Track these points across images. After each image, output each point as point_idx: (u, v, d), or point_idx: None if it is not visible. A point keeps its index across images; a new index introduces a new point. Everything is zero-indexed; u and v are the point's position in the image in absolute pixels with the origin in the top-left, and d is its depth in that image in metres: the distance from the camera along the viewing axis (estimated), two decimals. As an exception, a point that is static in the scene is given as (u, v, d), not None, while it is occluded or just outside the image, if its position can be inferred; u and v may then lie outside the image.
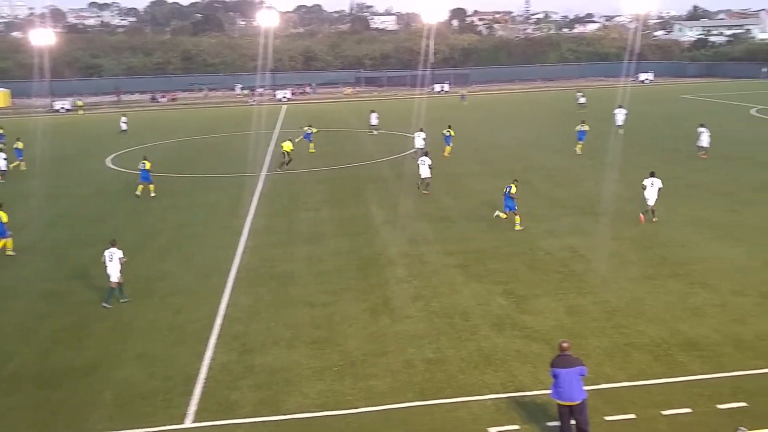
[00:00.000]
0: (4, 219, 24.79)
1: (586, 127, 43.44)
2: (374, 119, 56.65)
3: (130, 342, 17.27)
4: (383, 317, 18.06)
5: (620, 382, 14.21)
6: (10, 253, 24.85)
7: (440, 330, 17.09)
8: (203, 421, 13.44)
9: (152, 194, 34.21)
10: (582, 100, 66.90)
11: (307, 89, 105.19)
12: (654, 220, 25.92)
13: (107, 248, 19.57)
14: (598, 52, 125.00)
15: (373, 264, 22.46)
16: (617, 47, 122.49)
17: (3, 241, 24.90)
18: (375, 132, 55.55)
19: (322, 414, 13.55)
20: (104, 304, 19.27)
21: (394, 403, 13.79)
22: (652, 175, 26.41)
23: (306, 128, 47.33)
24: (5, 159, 40.76)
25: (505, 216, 26.20)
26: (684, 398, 13.46)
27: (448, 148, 43.67)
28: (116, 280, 19.35)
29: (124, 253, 19.65)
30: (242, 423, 13.34)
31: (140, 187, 34.46)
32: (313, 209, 30.38)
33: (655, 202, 25.92)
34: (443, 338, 16.61)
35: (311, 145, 46.50)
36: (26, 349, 17.09)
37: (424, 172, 32.38)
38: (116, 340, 17.39)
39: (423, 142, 40.18)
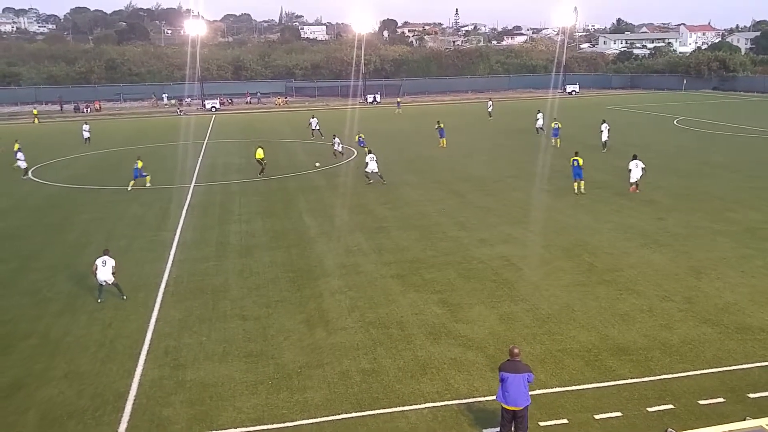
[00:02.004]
0: None
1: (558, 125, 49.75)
2: (314, 124, 59.66)
3: (57, 359, 16.66)
4: (319, 329, 17.95)
5: (553, 387, 14.50)
6: None
7: (376, 340, 17.08)
8: (135, 440, 13.06)
9: (148, 184, 38.18)
10: (540, 123, 57.83)
11: (250, 99, 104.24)
12: (638, 191, 31.93)
13: (99, 256, 20.46)
14: (526, 64, 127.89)
15: (308, 276, 22.30)
16: (545, 59, 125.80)
17: None
18: (314, 136, 56.69)
19: (257, 428, 13.36)
20: (123, 297, 20.48)
21: (330, 414, 13.72)
22: (635, 157, 32.58)
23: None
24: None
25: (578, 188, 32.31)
26: (615, 402, 13.85)
27: (443, 141, 49.84)
28: (113, 281, 20.37)
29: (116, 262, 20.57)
30: (175, 440, 13.02)
31: (132, 182, 37.82)
32: (245, 221, 29.97)
33: (639, 177, 32.08)
34: (379, 348, 16.61)
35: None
36: (-57, 371, 16.27)
37: (373, 166, 36.68)
38: (42, 358, 16.75)
39: (341, 147, 42.53)
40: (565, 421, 13.21)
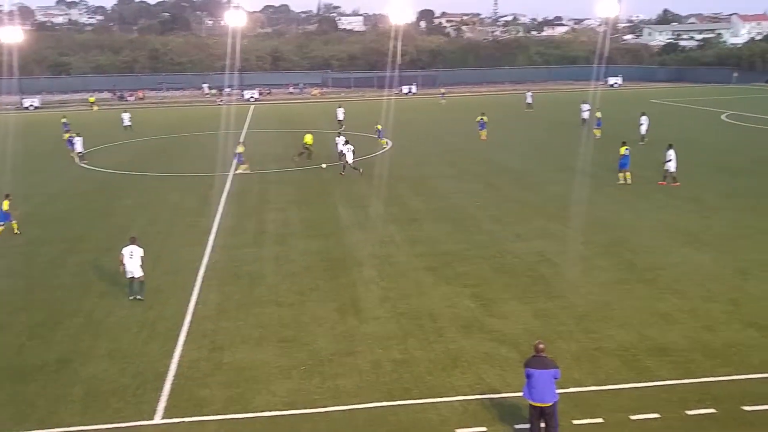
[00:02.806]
0: (5, 207, 26.68)
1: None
2: (341, 114, 60.21)
3: (101, 338, 17.20)
4: (351, 318, 18.16)
5: (588, 386, 14.37)
6: (16, 231, 27.09)
7: (408, 331, 17.21)
8: (173, 418, 13.45)
9: (246, 171, 38.79)
10: (586, 114, 56.46)
11: (291, 89, 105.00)
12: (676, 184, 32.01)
13: (126, 245, 19.58)
14: (566, 56, 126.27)
15: (341, 265, 22.53)
16: (586, 51, 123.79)
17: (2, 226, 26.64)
18: (342, 128, 56.63)
19: (290, 412, 13.60)
20: (138, 297, 19.50)
21: (361, 403, 13.90)
22: (671, 146, 32.42)
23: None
24: (82, 141, 45.24)
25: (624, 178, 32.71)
26: (652, 403, 13.61)
27: (483, 132, 49.79)
28: (140, 275, 19.43)
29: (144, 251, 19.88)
30: (211, 420, 13.37)
31: (242, 166, 39.01)
32: (281, 209, 30.36)
33: (675, 168, 32.22)
34: (411, 339, 16.74)
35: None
36: (0, 344, 16.99)
37: (350, 157, 37.28)
38: (87, 337, 17.32)
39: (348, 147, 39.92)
40: (600, 420, 13.08)
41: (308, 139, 43.01)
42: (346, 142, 38.65)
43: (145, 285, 19.64)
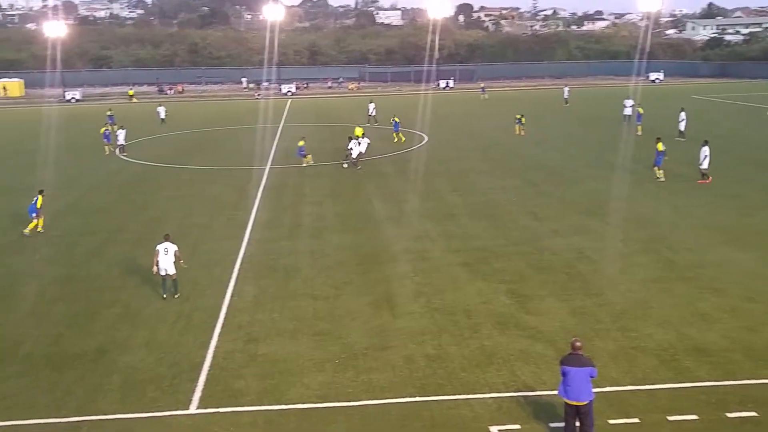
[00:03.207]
0: (39, 203, 26.26)
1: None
2: (371, 109, 59.90)
3: (138, 329, 17.43)
4: (385, 312, 18.13)
5: (625, 385, 14.13)
6: (40, 230, 26.44)
7: (442, 327, 17.12)
8: (208, 408, 13.57)
9: (310, 163, 39.04)
10: (629, 110, 54.39)
11: (331, 83, 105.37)
12: (699, 182, 31.60)
13: (160, 242, 19.33)
14: (607, 50, 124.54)
15: (376, 259, 22.52)
16: (627, 45, 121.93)
17: (33, 222, 26.23)
18: (375, 124, 56.55)
19: (324, 405, 13.63)
20: (175, 295, 19.25)
21: (395, 397, 13.85)
22: (706, 143, 31.99)
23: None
24: (125, 133, 45.98)
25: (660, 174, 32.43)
26: (690, 404, 13.31)
27: (519, 127, 49.45)
28: (173, 273, 19.14)
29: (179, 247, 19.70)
30: (246, 411, 13.45)
31: (305, 159, 39.08)
32: (316, 203, 30.46)
33: (708, 165, 31.77)
34: (445, 335, 16.65)
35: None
36: (38, 332, 17.32)
37: (356, 152, 37.29)
38: (125, 327, 17.57)
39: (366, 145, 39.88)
40: (636, 420, 12.85)
41: (358, 131, 42.99)
42: (361, 138, 39.26)
43: (178, 282, 19.40)
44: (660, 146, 32.68)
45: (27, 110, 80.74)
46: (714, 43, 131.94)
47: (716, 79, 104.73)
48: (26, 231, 25.97)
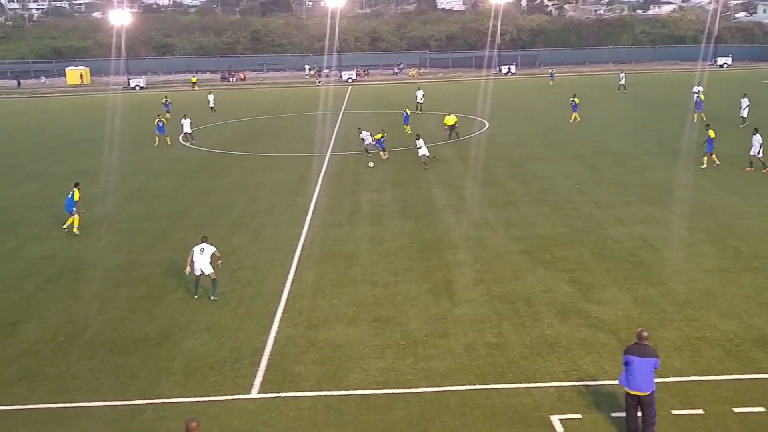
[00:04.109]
0: (76, 197, 25.24)
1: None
2: (420, 96, 58.97)
3: (200, 313, 17.80)
4: (444, 300, 18.10)
5: (689, 376, 13.86)
6: (75, 231, 25.23)
7: (502, 315, 17.01)
8: (269, 392, 13.79)
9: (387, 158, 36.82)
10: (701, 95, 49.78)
11: (396, 69, 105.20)
12: (764, 170, 30.57)
13: (197, 244, 18.72)
14: (673, 35, 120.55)
15: (435, 246, 22.47)
16: (694, 30, 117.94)
17: (71, 218, 25.31)
18: (420, 111, 55.96)
19: (383, 391, 13.71)
20: (212, 297, 18.50)
21: (454, 385, 13.84)
22: (756, 132, 31.12)
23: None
24: (190, 123, 45.84)
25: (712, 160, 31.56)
26: (757, 396, 13.00)
27: (574, 115, 48.19)
28: (210, 272, 18.39)
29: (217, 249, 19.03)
30: (306, 396, 13.62)
31: (383, 153, 37.15)
32: (376, 190, 30.54)
33: (759, 153, 30.72)
34: (505, 323, 16.53)
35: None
36: (104, 317, 17.84)
37: (425, 150, 34.69)
38: (187, 311, 17.96)
39: (370, 138, 38.05)
40: (700, 411, 12.59)
41: (449, 120, 42.43)
42: (382, 133, 37.70)
43: (217, 283, 18.65)
44: (711, 133, 31.75)
45: (92, 98, 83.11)
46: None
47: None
48: (65, 227, 25.27)
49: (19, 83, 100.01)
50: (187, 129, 45.74)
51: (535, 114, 54.04)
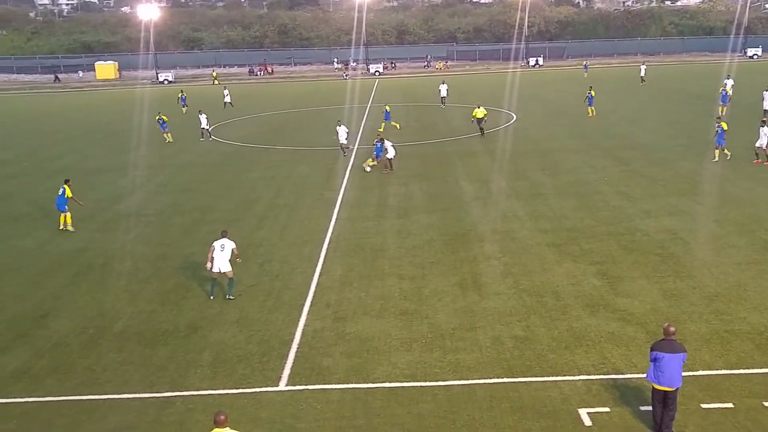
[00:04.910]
0: (68, 194, 24.99)
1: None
2: (444, 91, 57.97)
3: (228, 306, 17.95)
4: (472, 293, 18.06)
5: (718, 369, 13.72)
6: (70, 228, 25.13)
7: (530, 308, 16.94)
8: (297, 385, 13.88)
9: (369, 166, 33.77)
10: (729, 89, 48.91)
11: (427, 63, 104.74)
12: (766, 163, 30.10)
13: (217, 239, 18.24)
14: (702, 26, 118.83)
15: (463, 239, 22.42)
16: (724, 21, 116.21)
17: (62, 216, 25.12)
18: (444, 105, 55.50)
19: (411, 384, 13.72)
20: (229, 297, 18.22)
21: (482, 378, 13.82)
22: (764, 123, 30.67)
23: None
24: (206, 118, 45.04)
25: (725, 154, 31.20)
26: (788, 390, 12.84)
27: (591, 109, 47.06)
28: (227, 270, 18.05)
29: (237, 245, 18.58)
30: (334, 388, 13.70)
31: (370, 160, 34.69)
32: (403, 183, 30.52)
33: (766, 146, 30.22)
34: (533, 316, 16.47)
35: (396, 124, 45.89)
36: (133, 309, 18.06)
37: (391, 152, 32.94)
38: (216, 304, 18.11)
39: (345, 135, 37.50)
40: (730, 405, 12.47)
41: (478, 113, 41.46)
42: (340, 123, 37.18)
43: (234, 282, 18.40)
44: (724, 125, 31.43)
45: (122, 92, 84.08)
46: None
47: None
48: (61, 227, 25.06)
49: (57, 78, 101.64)
50: (204, 125, 44.94)
51: (563, 106, 53.59)
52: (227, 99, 62.48)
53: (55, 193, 25.47)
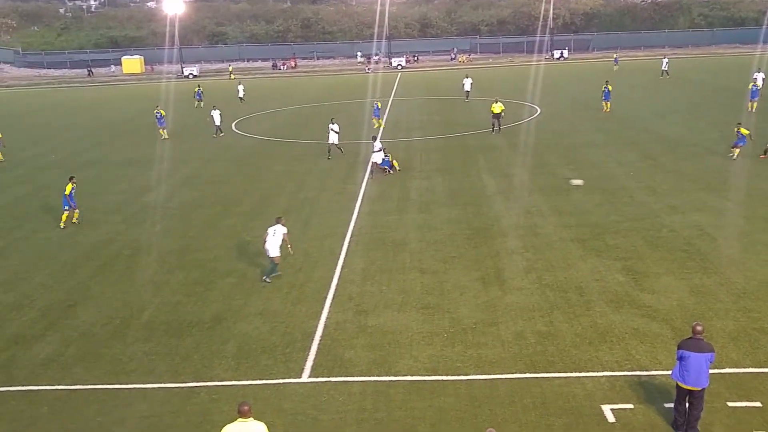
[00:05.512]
0: (67, 191, 24.86)
1: None
2: (468, 85, 56.92)
3: (252, 298, 18.06)
4: (494, 288, 17.98)
5: (746, 367, 13.54)
6: (62, 225, 25.03)
7: (553, 304, 16.83)
8: (319, 377, 13.94)
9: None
10: (759, 83, 47.22)
11: (453, 55, 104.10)
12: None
13: (272, 225, 18.96)
14: (733, 17, 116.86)
15: (485, 234, 22.32)
16: (756, 11, 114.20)
17: (65, 214, 25.12)
18: (467, 99, 55.13)
19: (432, 378, 13.72)
20: (265, 278, 18.96)
21: (504, 373, 13.77)
22: None
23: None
24: (220, 114, 44.11)
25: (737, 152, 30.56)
26: (817, 389, 12.64)
27: (607, 104, 46.12)
28: (274, 256, 18.77)
29: (288, 231, 19.20)
30: (356, 381, 13.73)
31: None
32: (425, 177, 30.45)
33: None
34: (556, 312, 16.36)
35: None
36: (158, 300, 18.24)
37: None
38: (240, 296, 18.24)
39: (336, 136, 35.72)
40: (758, 404, 12.30)
41: (495, 108, 40.31)
42: (333, 121, 35.73)
43: (276, 268, 19.00)
44: (744, 131, 30.70)
45: (149, 86, 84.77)
46: None
47: None
48: (61, 225, 25.02)
49: (90, 72, 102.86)
50: (217, 121, 43.90)
51: (588, 99, 53.08)
52: (241, 94, 62.44)
53: (82, 186, 25.73)
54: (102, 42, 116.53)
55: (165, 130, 44.20)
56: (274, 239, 18.68)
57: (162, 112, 44.53)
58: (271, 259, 18.88)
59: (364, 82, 74.41)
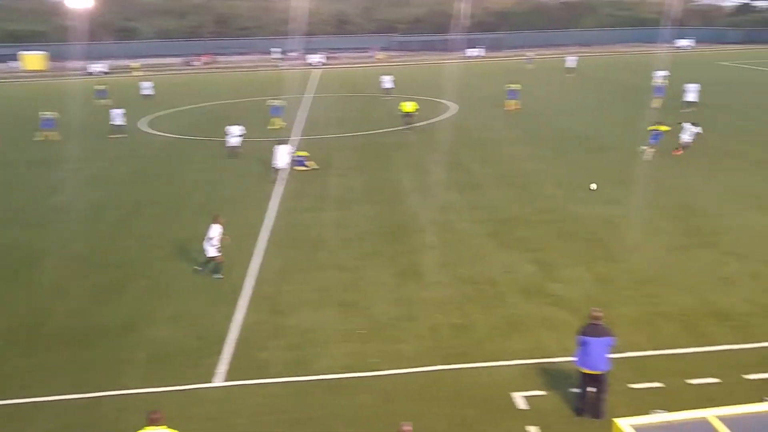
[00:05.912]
0: None
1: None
2: (388, 83, 57.21)
3: (164, 302, 17.64)
4: (410, 283, 18.21)
5: (647, 350, 14.21)
6: None
7: (467, 296, 17.18)
8: (235, 380, 13.74)
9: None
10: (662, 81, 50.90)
11: (371, 53, 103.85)
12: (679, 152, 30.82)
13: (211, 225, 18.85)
14: (636, 17, 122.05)
15: (401, 231, 22.55)
16: (656, 12, 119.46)
17: None
18: (389, 97, 55.53)
19: (350, 375, 13.78)
20: (198, 269, 19.12)
21: (420, 366, 13.97)
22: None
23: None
24: (123, 113, 42.64)
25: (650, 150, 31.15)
26: (712, 368, 13.40)
27: (514, 102, 46.79)
28: (211, 256, 18.75)
29: (224, 232, 19.00)
30: (272, 382, 13.63)
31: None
32: (342, 175, 30.49)
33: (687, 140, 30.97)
34: (470, 305, 16.70)
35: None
36: (63, 308, 17.52)
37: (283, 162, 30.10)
38: (151, 300, 17.78)
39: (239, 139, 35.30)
40: (659, 384, 12.93)
41: (406, 106, 40.55)
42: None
43: (211, 265, 19.00)
44: (661, 128, 32.01)
45: (52, 83, 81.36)
46: (743, 9, 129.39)
47: (744, 46, 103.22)
48: None
49: None
50: (119, 121, 42.07)
51: (500, 97, 54.15)
52: (146, 92, 60.63)
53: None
54: (0, 36, 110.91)
55: (48, 134, 41.29)
56: (211, 240, 18.59)
57: (49, 114, 42.04)
58: (211, 259, 18.73)
59: (280, 79, 73.69)
